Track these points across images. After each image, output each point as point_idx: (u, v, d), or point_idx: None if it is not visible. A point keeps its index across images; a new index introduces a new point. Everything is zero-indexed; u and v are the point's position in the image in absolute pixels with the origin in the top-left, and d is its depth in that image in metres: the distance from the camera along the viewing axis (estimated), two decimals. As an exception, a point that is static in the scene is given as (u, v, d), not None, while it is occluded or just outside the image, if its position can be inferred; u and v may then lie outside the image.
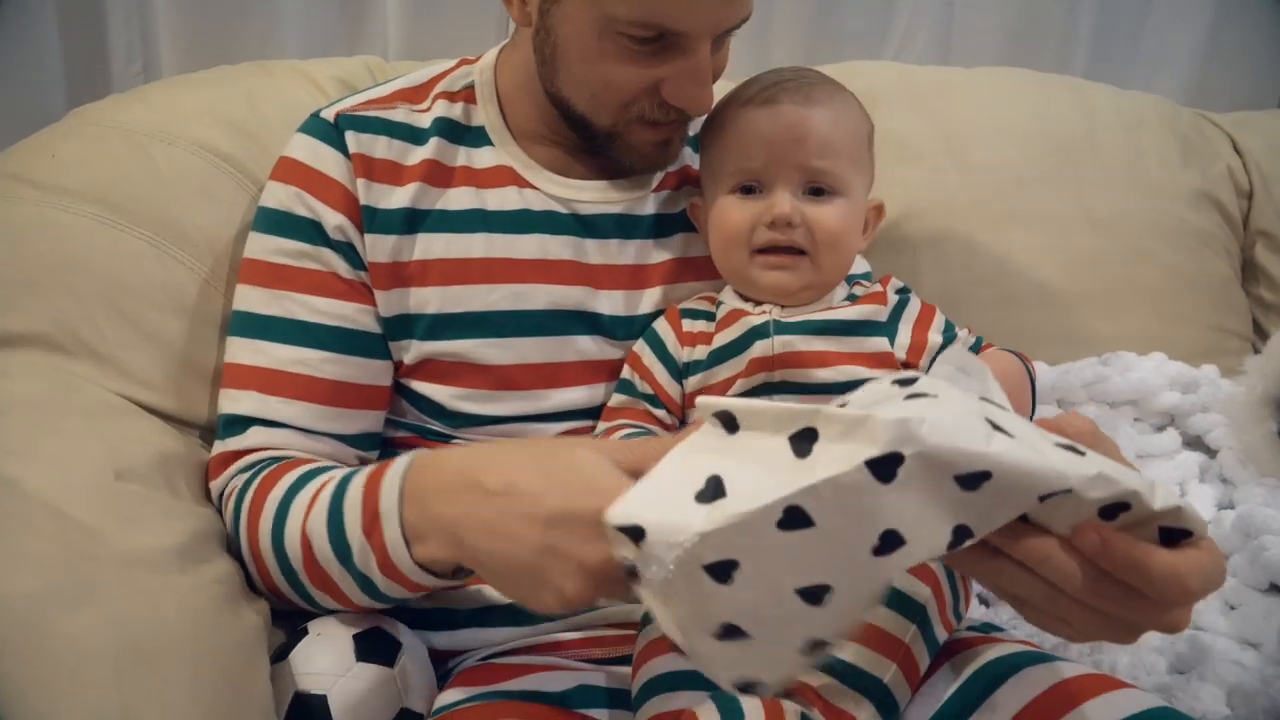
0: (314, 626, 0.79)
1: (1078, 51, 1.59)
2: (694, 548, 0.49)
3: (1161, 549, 0.53)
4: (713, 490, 0.50)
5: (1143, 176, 1.37)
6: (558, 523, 0.62)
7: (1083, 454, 0.52)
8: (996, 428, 0.50)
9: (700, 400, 0.54)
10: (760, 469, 0.50)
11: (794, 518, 0.48)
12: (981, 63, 1.52)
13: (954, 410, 0.50)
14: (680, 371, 0.90)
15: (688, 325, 0.90)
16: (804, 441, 0.50)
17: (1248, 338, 1.39)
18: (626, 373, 0.91)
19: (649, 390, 0.90)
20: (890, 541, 0.50)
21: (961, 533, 0.51)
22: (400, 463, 0.73)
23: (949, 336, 0.91)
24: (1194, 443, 1.14)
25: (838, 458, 0.48)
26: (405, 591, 0.75)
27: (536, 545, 0.62)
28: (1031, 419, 0.94)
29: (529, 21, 0.87)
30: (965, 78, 1.43)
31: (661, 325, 0.92)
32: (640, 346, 0.92)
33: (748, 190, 0.89)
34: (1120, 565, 0.53)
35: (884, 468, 0.48)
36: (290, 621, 0.83)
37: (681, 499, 0.50)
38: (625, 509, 0.53)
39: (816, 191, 0.87)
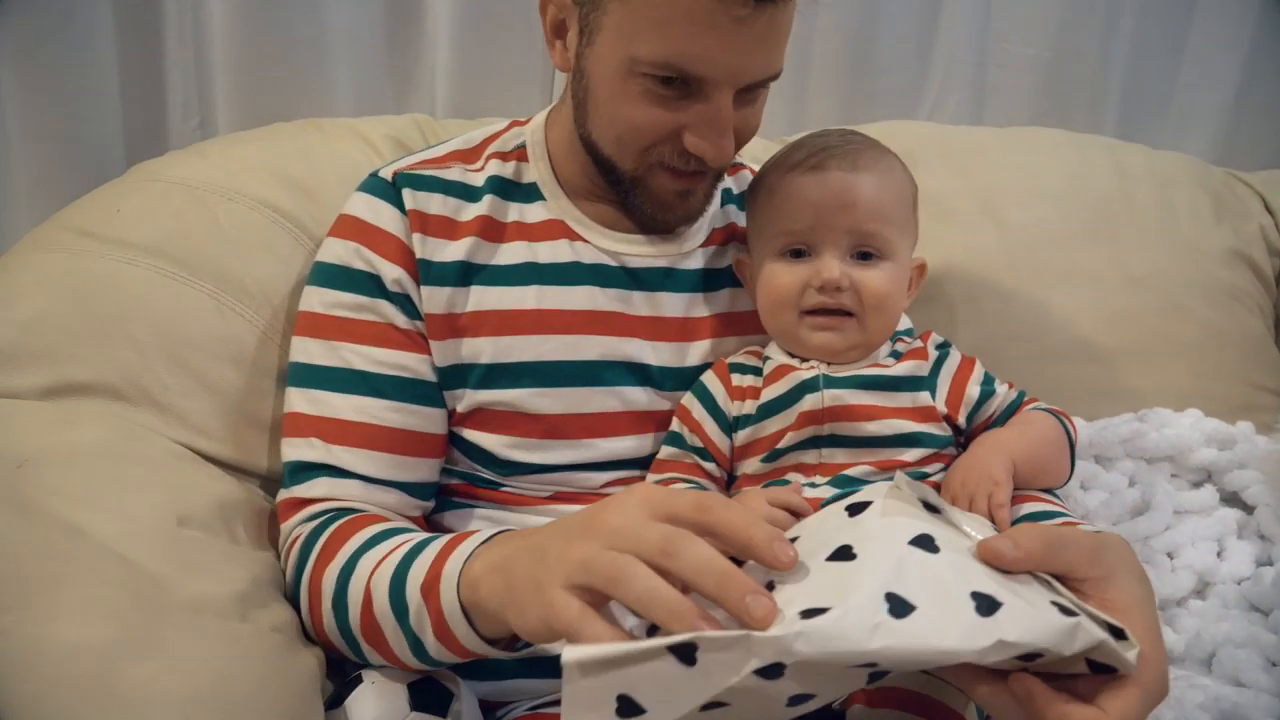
0: (368, 675, 0.80)
1: (1108, 111, 1.61)
2: None
3: (1080, 707, 0.55)
4: (628, 709, 0.53)
5: (1176, 234, 1.38)
6: (568, 532, 0.61)
7: (995, 609, 0.53)
8: (898, 605, 0.52)
9: (565, 655, 0.53)
10: (660, 686, 0.52)
11: (710, 707, 0.52)
12: (1013, 122, 1.55)
13: (855, 593, 0.53)
14: (730, 425, 0.91)
15: (736, 379, 0.92)
16: (687, 653, 0.52)
17: (1282, 394, 1.40)
18: (676, 425, 0.93)
19: (698, 444, 0.91)
20: (800, 699, 0.54)
21: (878, 674, 0.55)
22: (479, 535, 0.73)
23: (987, 390, 0.92)
24: (1231, 499, 1.14)
25: (725, 664, 0.51)
26: (454, 657, 0.74)
27: (540, 551, 0.62)
28: (1070, 477, 0.96)
29: (569, 66, 0.91)
30: (999, 137, 1.45)
31: (710, 379, 0.94)
32: (689, 400, 0.94)
33: (796, 253, 0.91)
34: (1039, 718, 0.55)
35: (771, 671, 0.51)
36: (342, 669, 0.85)
37: None
38: None
39: (864, 255, 0.89)
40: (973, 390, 0.92)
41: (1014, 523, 0.84)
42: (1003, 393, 0.93)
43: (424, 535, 0.79)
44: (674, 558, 0.55)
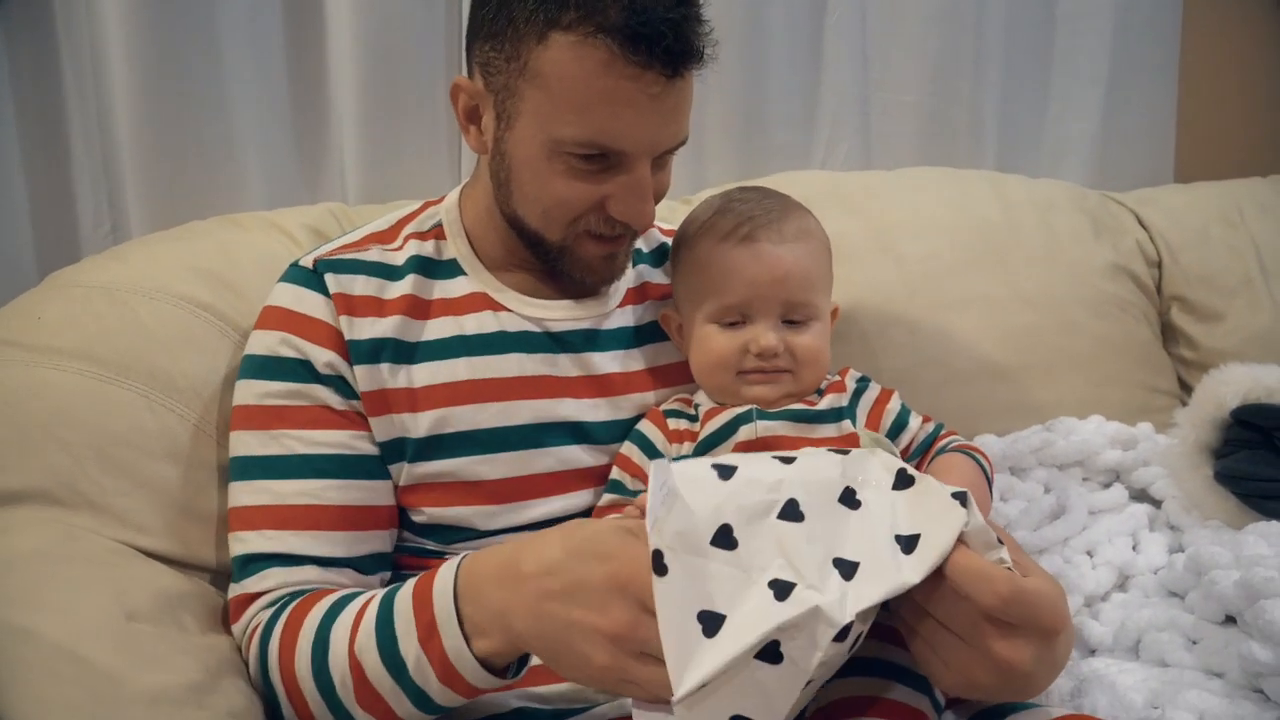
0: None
1: (987, 148, 1.71)
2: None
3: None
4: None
5: (1061, 255, 1.47)
6: (573, 592, 0.67)
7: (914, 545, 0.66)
8: (904, 543, 0.66)
9: (675, 700, 0.60)
10: (761, 693, 0.62)
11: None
12: (900, 165, 1.64)
13: (872, 543, 0.66)
14: None
15: (673, 424, 0.96)
16: (772, 651, 0.61)
17: (1175, 394, 1.49)
18: (616, 474, 0.96)
19: (641, 488, 0.94)
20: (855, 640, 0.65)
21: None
22: (448, 568, 0.76)
23: (901, 419, 0.98)
24: (1140, 495, 1.21)
25: (805, 645, 0.61)
26: (457, 698, 0.77)
27: (562, 619, 0.67)
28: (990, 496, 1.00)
29: (485, 149, 0.95)
30: (888, 179, 1.54)
31: (647, 426, 0.97)
32: (628, 448, 0.97)
33: (731, 321, 0.96)
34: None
35: (842, 633, 0.62)
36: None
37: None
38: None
39: (794, 320, 0.95)
40: (887, 419, 0.97)
41: None
42: (916, 425, 0.98)
43: (385, 590, 0.81)
44: None
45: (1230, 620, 0.94)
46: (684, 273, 1.00)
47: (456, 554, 0.92)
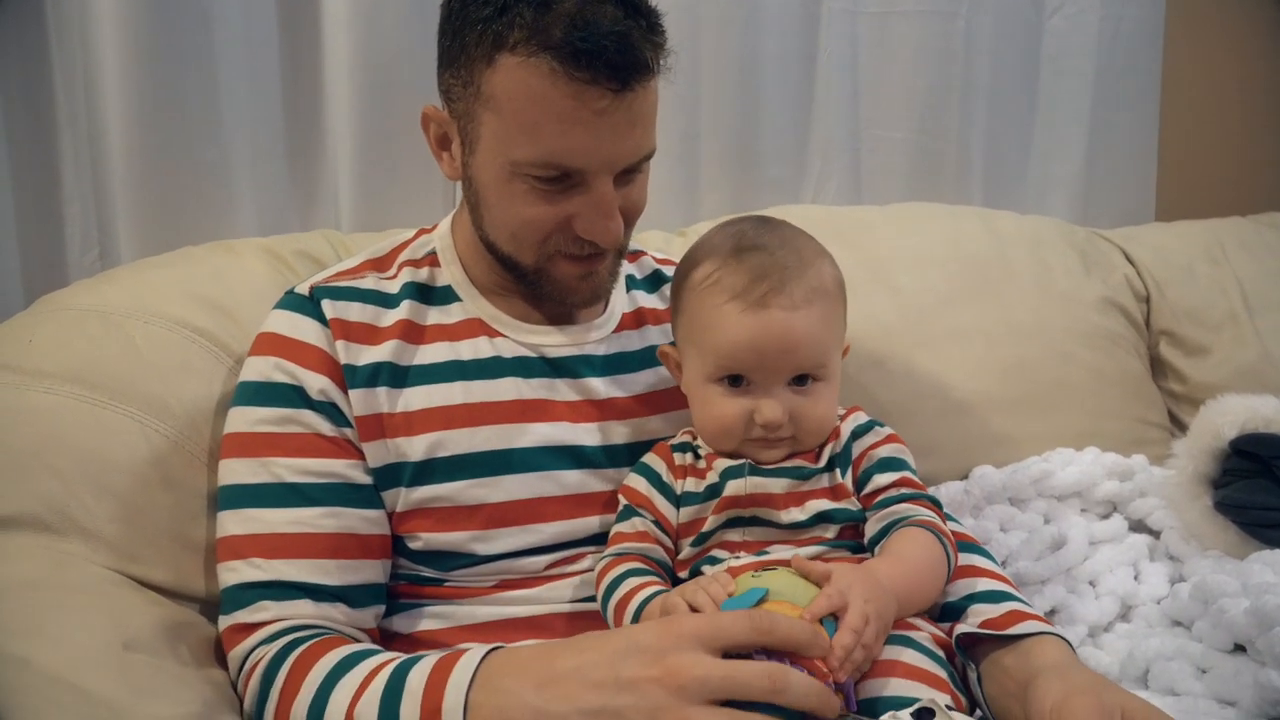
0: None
1: (973, 184, 1.74)
2: None
3: None
4: None
5: (1053, 288, 1.49)
6: (623, 686, 0.69)
7: None
8: None
9: None
10: None
11: None
12: (889, 200, 1.65)
13: None
14: (677, 500, 0.93)
15: (679, 458, 0.95)
16: None
17: (1166, 427, 1.51)
18: (624, 502, 0.94)
19: (651, 517, 0.93)
20: None
21: None
22: (472, 655, 0.75)
23: (868, 474, 0.92)
24: (1137, 526, 1.22)
25: None
26: None
27: (612, 711, 0.69)
28: (948, 579, 0.91)
29: (458, 175, 0.95)
30: (881, 214, 1.55)
31: (652, 459, 0.96)
32: (633, 479, 0.95)
33: (735, 379, 0.91)
34: None
35: None
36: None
37: None
38: None
39: (803, 379, 0.90)
40: (874, 455, 0.92)
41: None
42: (885, 481, 0.91)
43: (403, 657, 0.79)
44: (783, 694, 0.68)
45: (1239, 648, 0.94)
46: (687, 321, 0.94)
47: (454, 581, 0.93)
